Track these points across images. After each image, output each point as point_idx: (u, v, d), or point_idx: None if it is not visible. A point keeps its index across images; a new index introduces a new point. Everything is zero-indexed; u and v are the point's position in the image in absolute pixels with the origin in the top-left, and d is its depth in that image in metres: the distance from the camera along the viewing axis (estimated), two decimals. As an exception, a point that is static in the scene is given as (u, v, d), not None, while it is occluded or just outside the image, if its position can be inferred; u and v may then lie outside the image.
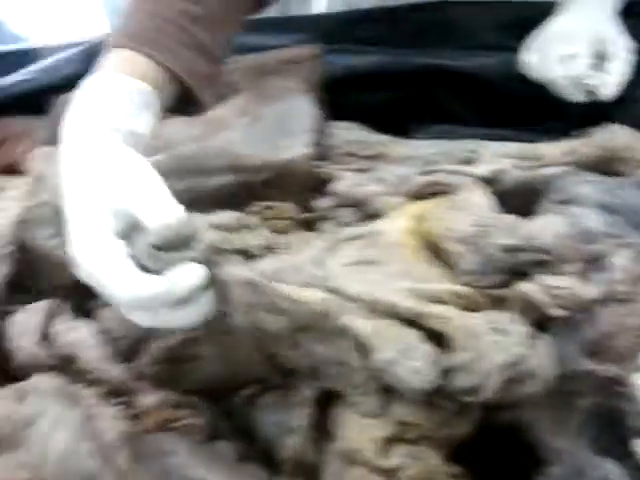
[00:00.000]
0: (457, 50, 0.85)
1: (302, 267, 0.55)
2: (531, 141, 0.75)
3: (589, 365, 0.56)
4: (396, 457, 0.53)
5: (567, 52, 0.76)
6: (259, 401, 0.60)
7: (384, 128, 0.79)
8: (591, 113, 0.80)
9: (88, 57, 0.78)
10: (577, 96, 0.78)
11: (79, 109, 0.57)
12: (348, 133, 0.75)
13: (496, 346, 0.50)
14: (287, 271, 0.55)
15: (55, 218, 0.65)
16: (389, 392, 0.53)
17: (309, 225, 0.64)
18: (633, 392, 0.53)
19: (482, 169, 0.65)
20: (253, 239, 0.57)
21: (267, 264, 0.56)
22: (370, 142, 0.75)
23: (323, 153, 0.71)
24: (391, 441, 0.54)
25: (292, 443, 0.56)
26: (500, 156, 0.68)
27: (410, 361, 0.50)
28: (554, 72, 0.76)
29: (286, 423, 0.57)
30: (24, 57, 0.79)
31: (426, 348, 0.51)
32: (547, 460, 0.57)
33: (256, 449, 0.60)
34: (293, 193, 0.68)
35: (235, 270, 0.54)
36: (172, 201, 0.52)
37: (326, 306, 0.53)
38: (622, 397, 0.56)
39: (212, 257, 0.53)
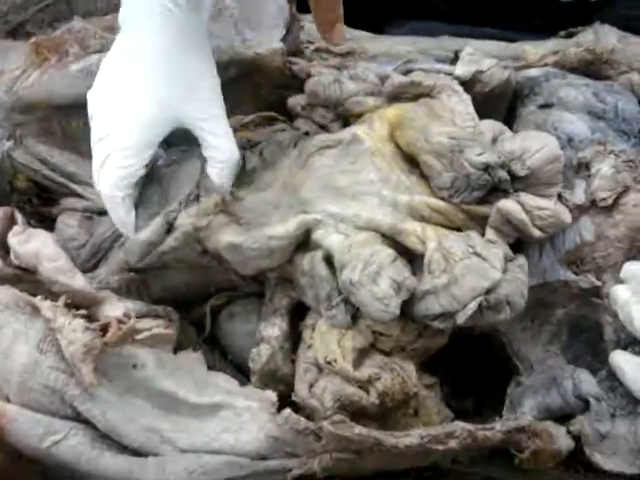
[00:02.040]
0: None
1: (277, 199, 0.54)
2: (513, 40, 0.72)
3: (566, 275, 0.55)
4: (370, 367, 0.53)
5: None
6: (229, 310, 0.58)
7: (358, 24, 0.74)
8: (576, 11, 0.76)
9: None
10: (564, -7, 0.73)
11: None
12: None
13: (472, 271, 0.49)
14: (265, 207, 0.54)
15: (7, 118, 0.61)
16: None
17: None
18: (613, 304, 0.52)
19: (462, 69, 0.61)
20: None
21: (247, 202, 0.54)
22: (345, 37, 0.70)
23: (294, 48, 0.67)
24: (365, 351, 0.53)
25: (264, 351, 0.55)
26: (481, 55, 0.64)
27: (374, 286, 0.49)
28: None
29: (258, 332, 0.56)
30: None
31: (394, 270, 0.50)
32: (520, 369, 0.57)
33: (226, 359, 0.59)
34: (264, 90, 0.64)
35: (219, 236, 0.53)
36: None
37: (305, 225, 0.52)
38: (598, 308, 0.55)
39: None
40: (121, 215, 0.53)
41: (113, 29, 0.66)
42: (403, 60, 0.64)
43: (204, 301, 0.58)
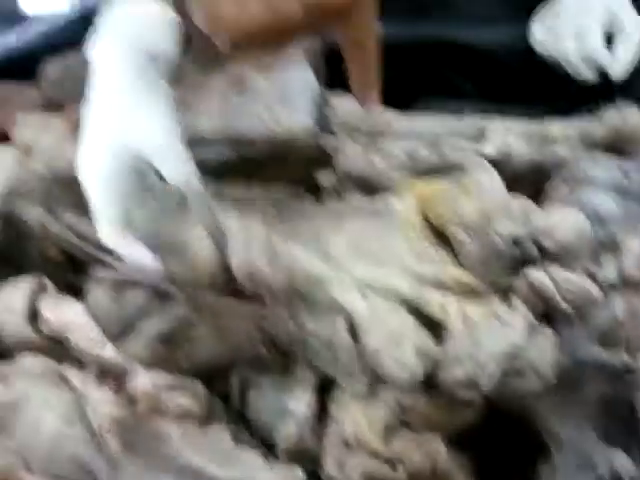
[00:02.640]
0: (461, 22, 0.82)
1: (305, 240, 0.53)
2: (537, 119, 0.73)
3: (599, 353, 0.54)
4: (399, 444, 0.52)
5: (580, 28, 0.73)
6: (256, 383, 0.58)
7: (385, 101, 0.76)
8: (597, 90, 0.78)
9: (81, 24, 0.74)
10: (587, 74, 0.75)
11: (110, 33, 0.54)
12: (349, 106, 0.72)
13: (494, 336, 0.49)
14: (290, 239, 0.53)
15: (44, 190, 0.63)
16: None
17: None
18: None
19: (490, 147, 0.63)
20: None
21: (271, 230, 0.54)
22: (372, 116, 0.71)
23: (324, 126, 0.68)
24: (394, 427, 0.52)
25: (291, 428, 0.54)
26: (508, 134, 0.65)
27: (398, 351, 0.49)
28: (565, 48, 0.73)
29: (284, 407, 0.55)
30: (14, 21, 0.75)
31: (417, 338, 0.49)
32: (552, 448, 0.56)
33: (252, 433, 0.58)
34: (295, 167, 0.65)
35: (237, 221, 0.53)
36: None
37: (324, 275, 0.52)
38: (631, 386, 0.54)
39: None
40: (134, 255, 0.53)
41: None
42: (431, 138, 0.65)
43: (231, 374, 0.58)
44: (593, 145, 0.65)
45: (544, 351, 0.49)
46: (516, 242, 0.50)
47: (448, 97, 0.79)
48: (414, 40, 0.80)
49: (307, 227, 0.55)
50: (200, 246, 0.54)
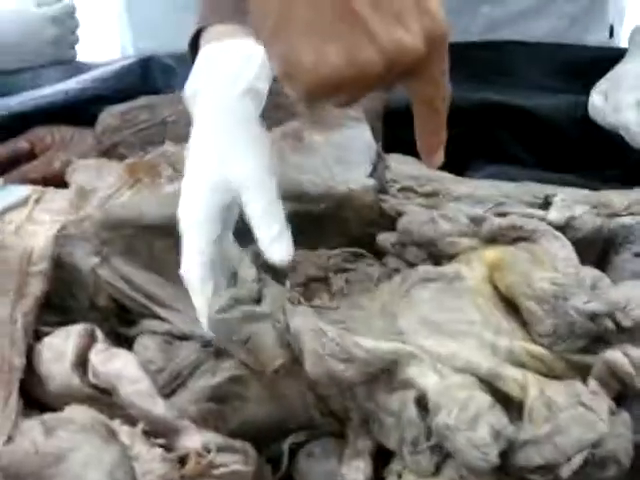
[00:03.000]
0: (517, 90, 0.81)
1: (372, 318, 0.51)
2: (591, 188, 0.72)
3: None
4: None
5: (640, 98, 0.73)
6: (308, 449, 0.55)
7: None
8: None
9: (139, 70, 0.75)
10: (647, 144, 0.74)
11: (205, 70, 0.57)
12: (406, 167, 0.71)
13: (578, 422, 0.46)
14: (358, 325, 0.51)
15: (96, 234, 0.61)
16: (445, 452, 0.49)
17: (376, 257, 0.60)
18: None
19: (555, 214, 0.61)
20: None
21: (337, 314, 0.52)
22: (428, 178, 0.70)
23: (380, 186, 0.67)
24: (456, 506, 0.49)
25: (345, 499, 0.51)
26: (572, 202, 0.64)
27: (472, 432, 0.46)
28: (626, 118, 0.73)
29: (338, 474, 0.52)
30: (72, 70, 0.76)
31: (493, 417, 0.47)
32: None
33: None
34: (351, 226, 0.63)
35: (305, 319, 0.50)
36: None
37: (398, 356, 0.49)
38: None
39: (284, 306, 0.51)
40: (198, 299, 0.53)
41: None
42: (494, 203, 0.64)
43: (282, 437, 0.55)
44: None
45: (623, 438, 0.46)
46: (593, 318, 0.48)
47: (503, 163, 0.78)
48: (469, 104, 0.79)
49: (375, 303, 0.53)
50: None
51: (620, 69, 0.77)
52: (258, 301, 0.52)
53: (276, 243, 0.52)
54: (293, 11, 0.40)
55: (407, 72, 0.43)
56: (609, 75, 0.77)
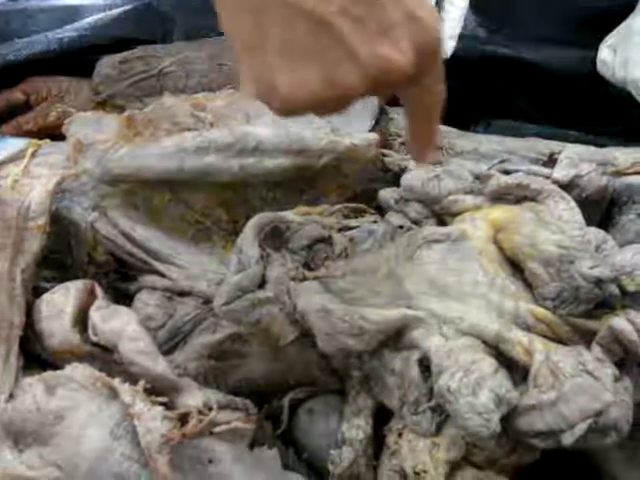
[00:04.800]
0: (525, 43, 0.79)
1: (379, 284, 0.51)
2: (596, 144, 0.70)
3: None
4: (460, 480, 0.50)
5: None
6: (308, 406, 0.56)
7: (445, 118, 0.73)
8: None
9: (137, 18, 0.73)
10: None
11: None
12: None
13: (584, 390, 0.46)
14: (365, 292, 0.51)
15: (94, 189, 0.60)
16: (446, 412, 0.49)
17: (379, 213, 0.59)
18: None
19: (561, 172, 0.60)
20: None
21: (343, 282, 0.51)
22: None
23: (384, 140, 0.66)
24: (457, 464, 0.50)
25: (344, 453, 0.52)
26: (575, 159, 0.62)
27: (474, 398, 0.46)
28: (636, 74, 0.71)
29: (338, 432, 0.53)
30: (69, 13, 0.73)
31: (496, 383, 0.47)
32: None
33: (299, 456, 0.56)
34: (351, 180, 0.62)
35: (312, 298, 0.50)
36: None
37: (405, 322, 0.49)
38: None
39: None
40: None
41: (203, 107, 0.67)
42: (498, 160, 0.63)
43: (282, 395, 0.55)
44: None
45: (625, 405, 0.46)
46: (598, 283, 0.48)
47: (507, 118, 0.76)
48: (476, 56, 0.77)
49: (380, 265, 0.52)
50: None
51: (631, 22, 0.74)
52: (262, 284, 0.52)
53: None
54: (267, 28, 0.36)
55: (396, 87, 0.40)
56: (619, 28, 0.75)
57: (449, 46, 0.62)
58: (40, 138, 0.65)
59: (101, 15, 0.73)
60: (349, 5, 0.36)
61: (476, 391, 0.46)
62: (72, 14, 0.75)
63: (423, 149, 0.46)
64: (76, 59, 0.69)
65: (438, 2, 0.70)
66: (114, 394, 0.50)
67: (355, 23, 0.36)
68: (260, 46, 0.37)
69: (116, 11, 0.74)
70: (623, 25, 0.75)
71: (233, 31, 0.38)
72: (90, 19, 0.73)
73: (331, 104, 0.39)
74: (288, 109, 0.39)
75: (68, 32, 0.70)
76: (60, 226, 0.60)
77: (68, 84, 0.69)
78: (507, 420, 0.47)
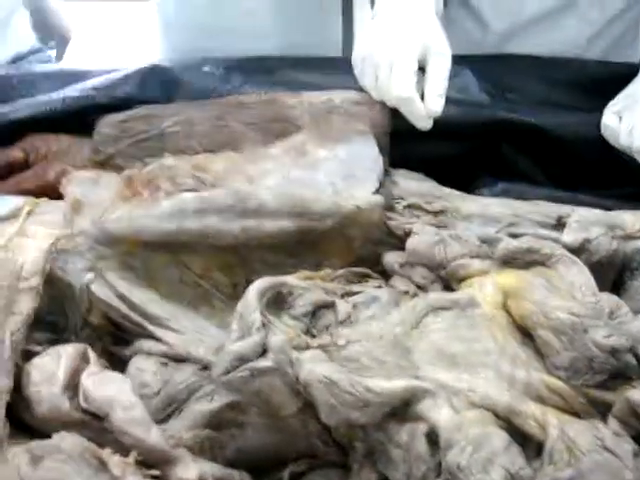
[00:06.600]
0: (527, 107, 0.79)
1: (385, 354, 0.49)
2: (605, 207, 0.69)
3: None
4: None
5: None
6: (309, 479, 0.53)
7: (445, 181, 0.72)
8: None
9: (141, 80, 0.72)
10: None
11: None
12: (413, 184, 0.69)
13: (603, 468, 0.43)
14: (369, 361, 0.49)
15: (90, 249, 0.59)
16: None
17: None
18: None
19: (570, 236, 0.59)
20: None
21: (347, 351, 0.49)
22: (436, 195, 0.68)
23: (388, 203, 0.65)
24: None
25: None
26: (585, 222, 0.61)
27: (485, 475, 0.44)
28: (638, 138, 0.70)
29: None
30: (75, 78, 0.73)
31: (508, 460, 0.44)
32: None
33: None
34: (356, 244, 0.61)
35: (315, 368, 0.48)
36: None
37: (412, 393, 0.47)
38: None
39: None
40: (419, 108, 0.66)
41: (204, 169, 0.66)
42: (505, 223, 0.62)
43: (282, 467, 0.53)
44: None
45: None
46: (614, 353, 0.46)
47: (513, 181, 0.75)
48: (479, 120, 0.77)
49: (385, 333, 0.50)
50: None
51: (636, 88, 0.74)
52: (263, 352, 0.49)
53: (439, 98, 0.66)
54: None
55: None
56: (624, 94, 0.74)
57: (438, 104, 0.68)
58: (38, 197, 0.64)
59: (104, 76, 0.72)
60: None
61: (487, 468, 0.43)
62: (79, 78, 0.75)
63: None
64: (79, 118, 0.69)
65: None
66: (103, 466, 0.47)
67: None
68: None
69: (121, 72, 0.74)
70: (628, 90, 0.74)
71: None
72: (94, 80, 0.72)
73: None
74: None
75: (71, 92, 0.70)
76: (54, 287, 0.58)
77: (68, 143, 0.68)
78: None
